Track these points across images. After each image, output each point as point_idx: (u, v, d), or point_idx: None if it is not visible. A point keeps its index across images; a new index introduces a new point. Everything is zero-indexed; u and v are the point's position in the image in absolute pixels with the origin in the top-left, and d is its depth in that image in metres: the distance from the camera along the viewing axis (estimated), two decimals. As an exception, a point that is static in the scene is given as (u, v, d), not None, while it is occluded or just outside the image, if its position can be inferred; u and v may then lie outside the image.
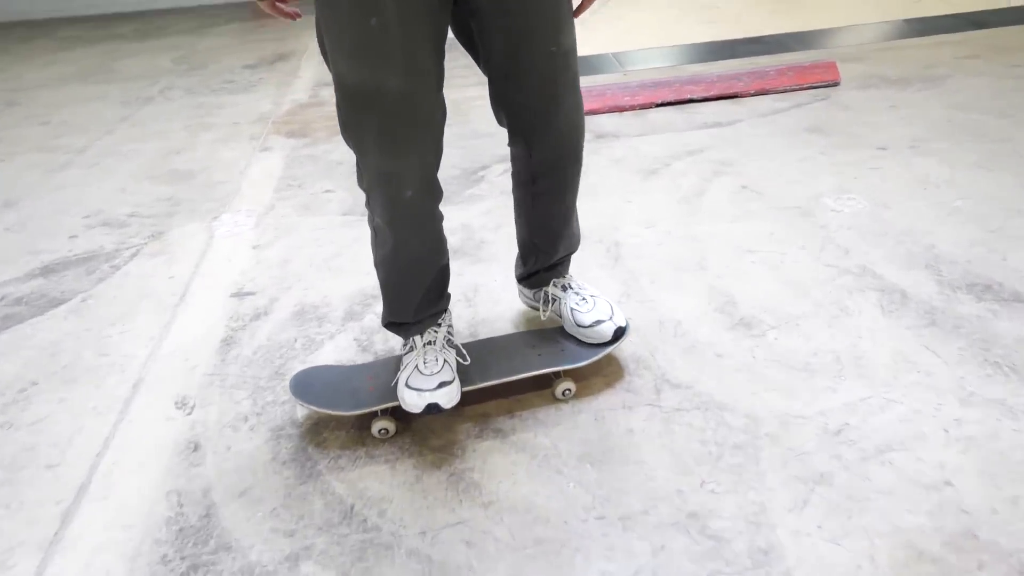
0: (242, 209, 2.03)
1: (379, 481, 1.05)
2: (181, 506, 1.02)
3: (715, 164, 2.09)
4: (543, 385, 1.21)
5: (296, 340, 1.40)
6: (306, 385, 1.14)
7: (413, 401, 1.03)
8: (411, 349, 1.10)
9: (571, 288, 1.22)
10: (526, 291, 1.29)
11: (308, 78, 3.63)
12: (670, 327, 1.34)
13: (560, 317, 1.23)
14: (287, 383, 1.23)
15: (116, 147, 2.67)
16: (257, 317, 1.49)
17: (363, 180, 0.96)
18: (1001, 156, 1.95)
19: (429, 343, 1.10)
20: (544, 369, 1.14)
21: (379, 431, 1.11)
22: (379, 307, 1.49)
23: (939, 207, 1.71)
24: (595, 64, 3.17)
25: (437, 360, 1.07)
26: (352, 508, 1.00)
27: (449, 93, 3.29)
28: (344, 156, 2.44)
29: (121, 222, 2.01)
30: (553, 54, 0.93)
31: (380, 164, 0.89)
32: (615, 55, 3.27)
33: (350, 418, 1.17)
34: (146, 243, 1.86)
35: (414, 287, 1.07)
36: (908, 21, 3.46)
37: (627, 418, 1.12)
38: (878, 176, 1.91)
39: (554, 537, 0.93)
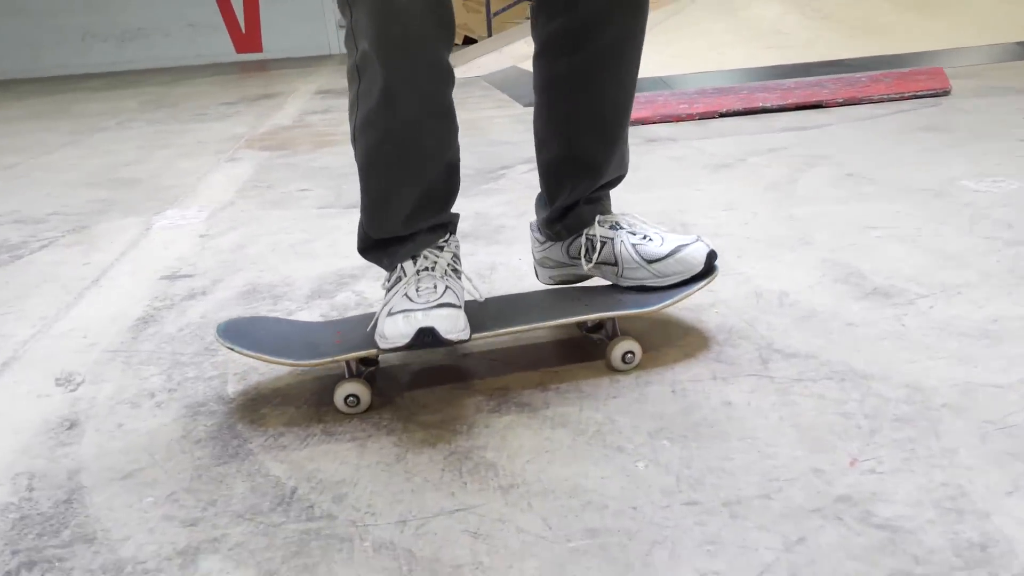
0: (193, 206, 2.01)
1: (339, 461, 0.85)
2: (31, 491, 0.83)
3: (805, 158, 2.04)
4: (590, 355, 1.04)
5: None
6: (243, 332, 0.98)
7: (397, 330, 0.86)
8: (398, 279, 0.96)
9: (622, 227, 1.09)
10: (553, 248, 1.15)
11: (295, 108, 3.84)
12: (772, 298, 1.18)
13: (614, 266, 1.08)
14: (218, 353, 1.08)
15: (53, 164, 2.75)
16: (191, 297, 1.37)
17: None
18: None
19: (425, 269, 0.96)
20: (595, 314, 0.98)
21: (346, 399, 0.93)
22: (361, 284, 1.37)
23: (1124, 187, 1.60)
24: (638, 88, 3.30)
25: (436, 287, 0.92)
26: (293, 492, 0.80)
27: (466, 115, 3.40)
28: (329, 162, 2.46)
29: (37, 219, 1.98)
30: None
31: None
32: (664, 79, 3.41)
33: (302, 390, 1.00)
34: (62, 236, 1.81)
35: (409, 176, 0.94)
36: (1023, 44, 3.61)
37: (721, 389, 0.94)
38: (1029, 162, 1.83)
39: (617, 527, 0.71)
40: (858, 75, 2.90)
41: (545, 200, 1.14)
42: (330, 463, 0.85)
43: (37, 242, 1.78)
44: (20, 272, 1.58)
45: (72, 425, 0.97)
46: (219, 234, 1.74)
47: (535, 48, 1.05)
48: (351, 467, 0.84)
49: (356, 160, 0.96)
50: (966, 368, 0.94)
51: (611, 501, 0.75)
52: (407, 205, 0.95)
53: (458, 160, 0.99)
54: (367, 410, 0.95)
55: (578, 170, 1.07)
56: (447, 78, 0.92)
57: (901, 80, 2.75)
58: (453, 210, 1.02)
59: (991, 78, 3.13)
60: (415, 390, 1.00)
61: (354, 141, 0.95)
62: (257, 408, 0.98)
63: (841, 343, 1.03)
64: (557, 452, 0.84)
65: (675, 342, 1.07)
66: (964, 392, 0.89)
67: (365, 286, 1.36)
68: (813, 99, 2.64)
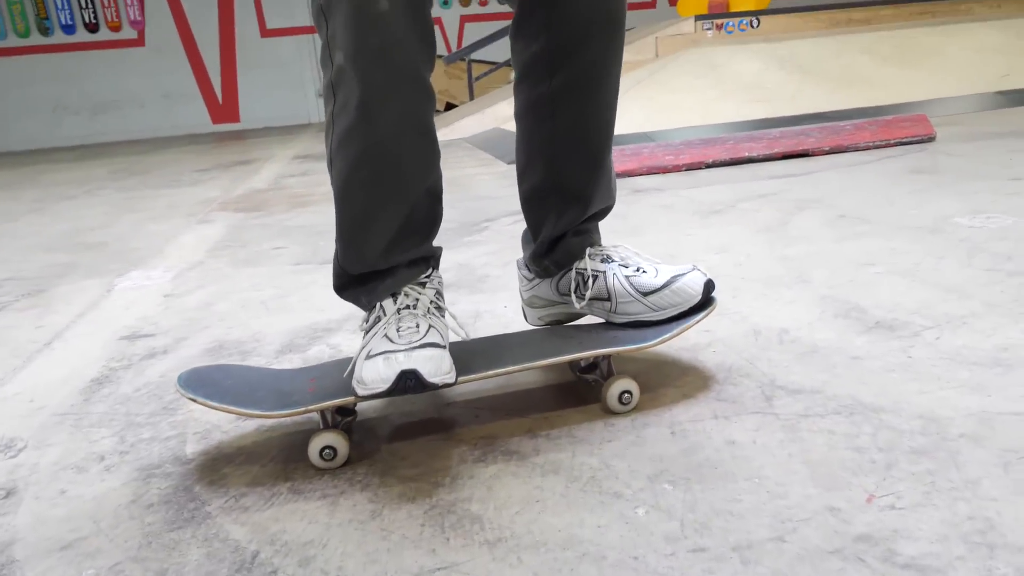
0: (159, 267, 1.98)
1: (307, 521, 0.80)
2: (-44, 566, 0.77)
3: (796, 202, 2.07)
4: (583, 399, 1.01)
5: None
6: (207, 381, 0.94)
7: (376, 373, 0.82)
8: (377, 319, 0.93)
9: (614, 259, 1.08)
10: (542, 286, 1.14)
11: (271, 172, 3.88)
12: (771, 335, 1.16)
13: (607, 300, 1.06)
14: (179, 395, 1.03)
15: (13, 231, 2.74)
16: (152, 356, 1.33)
17: None
18: None
19: (407, 308, 0.93)
20: (590, 352, 0.95)
21: (322, 452, 0.89)
22: (337, 337, 1.33)
23: (1121, 219, 1.63)
24: (622, 142, 3.38)
25: (419, 326, 0.89)
26: (255, 557, 0.75)
27: (449, 172, 3.45)
28: (306, 221, 2.47)
29: (-7, 285, 1.95)
30: None
31: None
32: (649, 133, 3.51)
33: (268, 447, 0.96)
34: (16, 300, 1.77)
35: (388, 199, 0.92)
36: (1003, 93, 3.77)
37: (724, 428, 0.90)
38: (1022, 199, 1.87)
39: (617, 579, 0.67)
40: (842, 124, 3.00)
41: (530, 234, 1.13)
42: (297, 523, 0.80)
43: (-11, 307, 1.74)
44: (-32, 338, 1.54)
45: (8, 494, 0.91)
46: (185, 293, 1.71)
47: (515, 76, 1.06)
48: (320, 526, 0.79)
49: (332, 185, 0.94)
50: (980, 397, 0.92)
51: (610, 551, 0.71)
52: (386, 233, 0.92)
53: (440, 188, 0.98)
54: (341, 465, 0.91)
55: (562, 197, 1.06)
56: (428, 95, 0.91)
57: (886, 128, 2.84)
58: (434, 244, 1.01)
59: (974, 125, 3.25)
60: (393, 442, 0.96)
61: (330, 165, 0.93)
62: (218, 468, 0.93)
63: (847, 377, 1.01)
64: (549, 501, 0.80)
65: (672, 383, 1.04)
66: (981, 421, 0.87)
67: (341, 339, 1.33)
68: (799, 148, 2.71)
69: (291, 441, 0.98)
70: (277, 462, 0.93)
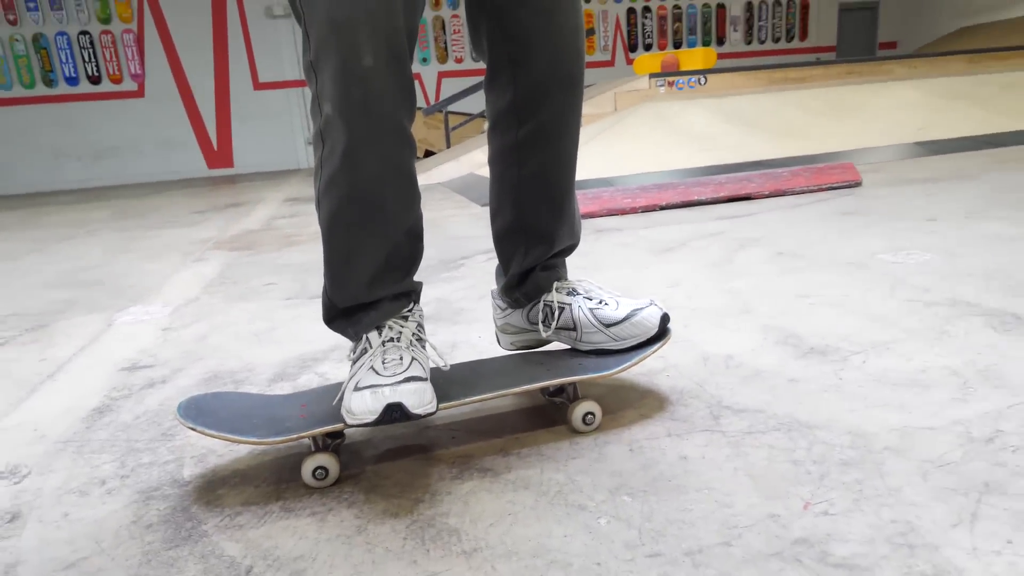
0: (157, 303, 1.96)
1: (297, 537, 0.80)
2: (-38, 587, 0.75)
3: (740, 240, 2.14)
4: (551, 420, 1.03)
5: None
6: (204, 410, 0.94)
7: (364, 406, 0.84)
8: (364, 351, 0.95)
9: (579, 292, 1.12)
10: (514, 315, 1.17)
11: (263, 214, 3.88)
12: (718, 361, 1.20)
13: (572, 331, 1.10)
14: (178, 425, 1.02)
15: (15, 270, 2.69)
16: (151, 386, 1.31)
17: (309, 47, 0.89)
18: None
19: (391, 340, 0.95)
20: (557, 380, 0.97)
21: (315, 472, 0.89)
22: (325, 366, 1.34)
23: None
24: (585, 186, 3.46)
25: (402, 359, 0.91)
26: (249, 571, 0.74)
27: (427, 214, 3.48)
28: (295, 258, 2.47)
29: (-4, 321, 1.91)
30: None
31: (331, 10, 0.82)
32: (608, 179, 3.59)
33: (261, 469, 0.96)
34: (19, 335, 1.74)
35: (372, 236, 0.93)
36: (920, 144, 3.95)
37: (677, 445, 0.93)
38: (937, 237, 1.96)
39: (582, 583, 0.68)
40: (780, 170, 3.11)
41: (501, 268, 1.16)
42: (288, 539, 0.80)
43: (-7, 342, 1.71)
44: (-28, 371, 1.50)
45: (13, 518, 0.89)
46: (182, 327, 1.70)
47: (488, 124, 1.11)
48: (310, 542, 0.79)
49: (320, 224, 0.96)
50: (901, 414, 0.97)
51: (575, 559, 0.72)
52: (370, 268, 0.94)
53: (421, 228, 1.00)
54: (331, 484, 0.91)
55: (529, 236, 1.10)
56: (408, 143, 0.93)
57: (818, 174, 2.96)
58: (416, 279, 1.03)
59: (895, 171, 3.40)
60: (377, 463, 0.96)
61: (318, 205, 0.95)
62: (214, 489, 0.93)
63: (785, 398, 1.05)
64: (520, 514, 0.81)
65: (631, 404, 1.07)
66: (902, 436, 0.91)
67: (328, 368, 1.33)
68: (743, 192, 2.80)
69: (282, 464, 0.98)
70: (269, 483, 0.93)
